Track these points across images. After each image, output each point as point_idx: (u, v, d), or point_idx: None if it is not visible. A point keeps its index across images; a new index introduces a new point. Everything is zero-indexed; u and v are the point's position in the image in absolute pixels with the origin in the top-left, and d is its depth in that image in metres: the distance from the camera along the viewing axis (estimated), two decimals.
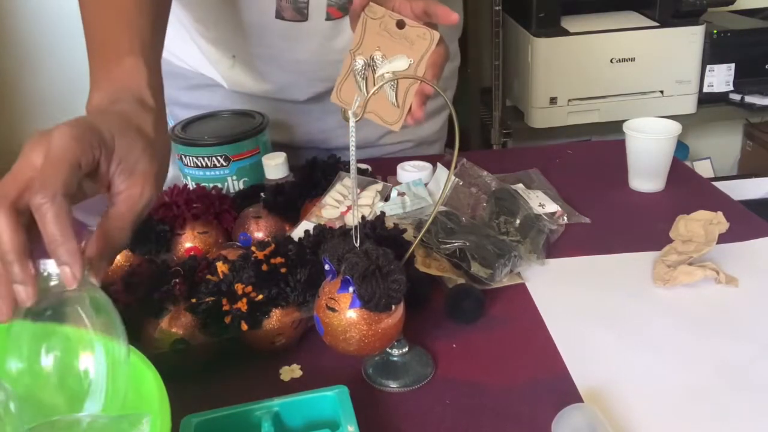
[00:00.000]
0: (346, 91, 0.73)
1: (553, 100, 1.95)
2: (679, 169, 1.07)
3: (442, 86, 1.16)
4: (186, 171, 0.96)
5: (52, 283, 0.51)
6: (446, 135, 1.27)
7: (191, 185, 0.94)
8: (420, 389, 0.66)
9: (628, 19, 1.95)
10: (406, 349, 0.68)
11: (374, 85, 0.71)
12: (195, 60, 1.07)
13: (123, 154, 0.57)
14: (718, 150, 2.49)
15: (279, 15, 0.95)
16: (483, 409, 0.63)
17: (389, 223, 0.75)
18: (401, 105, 0.71)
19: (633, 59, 1.92)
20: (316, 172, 0.92)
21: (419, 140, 1.19)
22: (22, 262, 0.50)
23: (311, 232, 0.73)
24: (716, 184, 1.07)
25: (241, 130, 0.96)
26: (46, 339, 0.51)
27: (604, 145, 1.24)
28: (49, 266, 0.51)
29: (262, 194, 0.89)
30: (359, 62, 0.72)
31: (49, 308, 0.51)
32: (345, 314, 0.60)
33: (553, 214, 0.93)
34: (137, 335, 0.68)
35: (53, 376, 0.50)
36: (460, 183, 0.94)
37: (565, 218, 0.94)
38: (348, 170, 0.86)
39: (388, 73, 0.71)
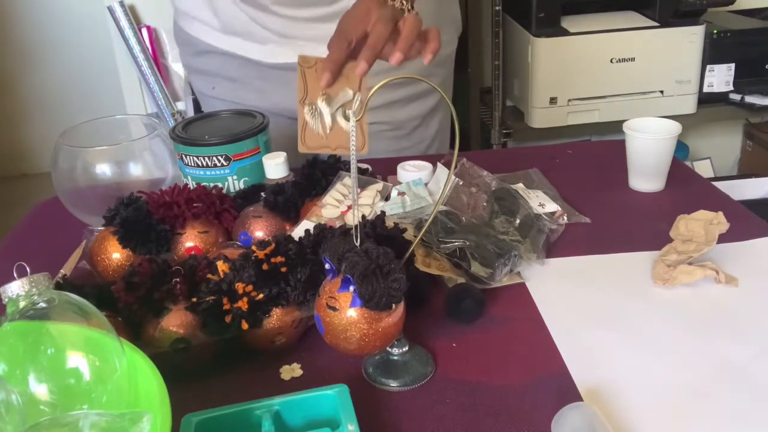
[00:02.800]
0: (310, 137, 0.80)
1: (553, 100, 1.95)
2: (679, 169, 1.07)
3: (426, 72, 1.15)
4: (187, 171, 0.96)
5: (22, 303, 0.52)
6: (428, 123, 1.27)
7: (192, 185, 0.94)
8: (420, 388, 0.66)
9: (628, 19, 1.95)
10: (406, 348, 0.68)
11: (328, 124, 0.79)
12: (194, 29, 1.18)
13: None
14: (718, 150, 2.49)
15: None
16: (483, 408, 0.63)
17: (389, 223, 0.75)
18: (360, 131, 0.77)
19: (633, 59, 1.92)
20: (316, 171, 0.92)
21: (398, 124, 1.20)
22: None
23: (311, 231, 0.73)
24: (716, 184, 1.07)
25: (241, 129, 0.96)
26: (36, 337, 0.51)
27: (604, 145, 1.24)
28: (10, 289, 0.52)
29: (262, 194, 0.89)
30: (310, 109, 0.80)
31: (36, 309, 0.52)
32: (345, 313, 0.60)
33: (553, 213, 0.93)
34: (138, 334, 0.68)
35: (47, 374, 0.51)
36: (460, 183, 0.94)
37: (565, 218, 0.94)
38: (348, 170, 0.86)
39: (339, 108, 0.78)
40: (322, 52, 0.98)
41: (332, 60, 0.79)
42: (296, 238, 0.72)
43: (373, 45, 0.79)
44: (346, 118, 0.78)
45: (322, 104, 0.78)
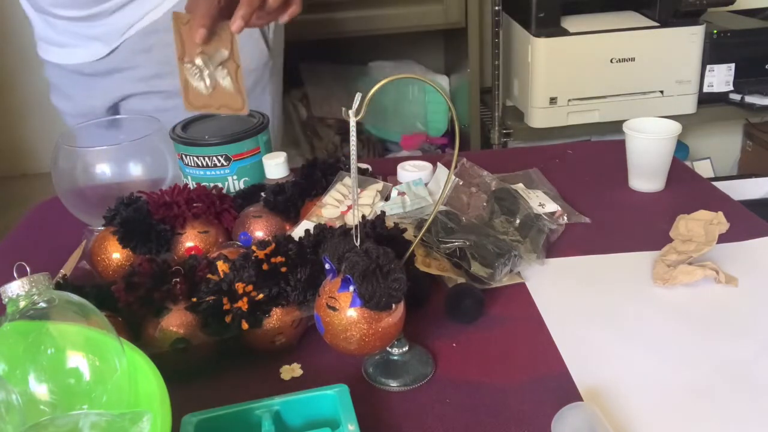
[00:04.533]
0: (195, 96, 0.82)
1: (553, 100, 1.94)
2: (679, 169, 1.07)
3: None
4: (187, 171, 0.96)
5: (22, 303, 0.52)
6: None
7: (192, 185, 0.94)
8: (420, 388, 0.66)
9: (628, 19, 1.95)
10: (406, 348, 0.68)
11: (209, 83, 0.81)
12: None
13: None
14: (718, 150, 2.49)
15: None
16: (483, 408, 0.63)
17: (389, 223, 0.75)
18: (239, 90, 0.82)
19: (633, 59, 1.92)
20: (316, 171, 0.92)
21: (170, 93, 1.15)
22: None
23: (311, 231, 0.73)
24: (716, 184, 1.07)
25: (241, 129, 0.96)
26: (36, 337, 0.51)
27: (604, 145, 1.24)
28: (10, 289, 0.52)
29: (262, 194, 0.89)
30: (190, 68, 0.81)
31: (36, 309, 0.52)
32: (345, 313, 0.60)
33: (553, 213, 0.93)
34: (138, 334, 0.68)
35: (47, 374, 0.51)
36: (460, 183, 0.94)
37: (565, 218, 0.94)
38: (348, 170, 0.86)
39: (219, 66, 0.80)
40: (106, 49, 1.02)
41: (203, 15, 0.79)
42: (296, 238, 0.72)
43: (249, 1, 0.78)
44: (225, 78, 0.81)
45: (200, 63, 0.80)
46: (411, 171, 1.01)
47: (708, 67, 1.99)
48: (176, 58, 0.80)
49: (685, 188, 1.03)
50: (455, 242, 0.80)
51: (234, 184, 0.96)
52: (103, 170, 0.92)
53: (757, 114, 2.04)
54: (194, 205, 0.83)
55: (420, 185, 0.96)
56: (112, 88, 1.14)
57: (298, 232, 0.81)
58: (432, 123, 2.22)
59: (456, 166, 0.76)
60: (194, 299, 0.69)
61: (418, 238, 0.69)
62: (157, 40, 1.09)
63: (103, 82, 1.14)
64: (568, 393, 0.65)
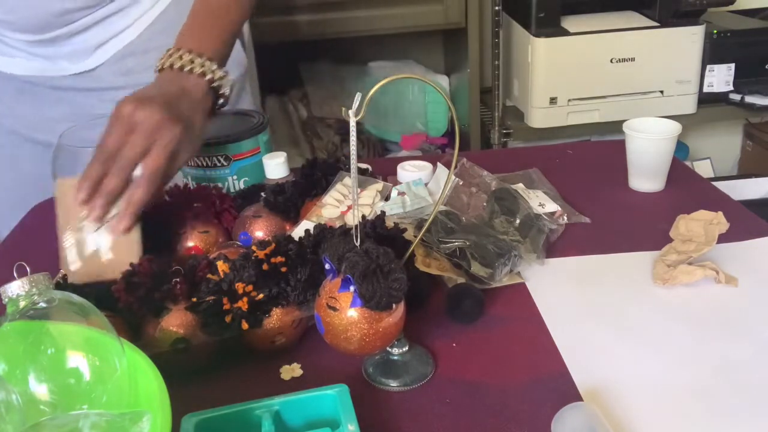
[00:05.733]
0: (92, 263, 0.76)
1: (553, 100, 1.95)
2: (679, 169, 1.07)
3: None
4: (187, 170, 0.96)
5: (22, 303, 0.52)
6: None
7: (192, 185, 0.94)
8: (420, 388, 0.66)
9: (628, 19, 1.95)
10: (407, 348, 0.68)
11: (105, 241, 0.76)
12: None
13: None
14: (718, 150, 2.49)
15: None
16: (483, 408, 0.63)
17: (389, 223, 0.76)
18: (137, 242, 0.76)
19: (633, 59, 1.92)
20: (316, 171, 0.92)
21: None
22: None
23: (311, 231, 0.73)
24: (716, 184, 1.07)
25: (241, 129, 0.96)
26: (36, 337, 0.51)
27: (604, 145, 1.24)
28: (10, 289, 0.52)
29: (262, 194, 0.89)
30: (79, 235, 0.77)
31: (36, 309, 0.52)
32: (346, 313, 0.61)
33: (553, 213, 0.93)
34: (138, 334, 0.68)
35: (47, 374, 0.51)
36: (460, 183, 0.94)
37: (565, 218, 0.94)
38: (348, 170, 0.87)
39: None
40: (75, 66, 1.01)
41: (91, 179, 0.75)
42: (296, 238, 0.72)
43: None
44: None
45: (90, 225, 0.76)
46: (411, 171, 1.01)
47: (708, 67, 2.00)
48: (58, 230, 0.74)
49: (685, 188, 1.03)
50: (455, 242, 0.80)
51: (234, 184, 0.96)
52: None
53: (757, 114, 2.04)
54: (194, 205, 0.83)
55: (420, 185, 0.96)
56: (89, 106, 1.10)
57: (298, 232, 0.81)
58: (432, 123, 2.22)
59: (456, 166, 0.76)
60: (194, 299, 0.69)
61: (418, 238, 0.69)
62: (135, 63, 1.08)
63: (77, 97, 1.10)
64: (568, 393, 0.65)
